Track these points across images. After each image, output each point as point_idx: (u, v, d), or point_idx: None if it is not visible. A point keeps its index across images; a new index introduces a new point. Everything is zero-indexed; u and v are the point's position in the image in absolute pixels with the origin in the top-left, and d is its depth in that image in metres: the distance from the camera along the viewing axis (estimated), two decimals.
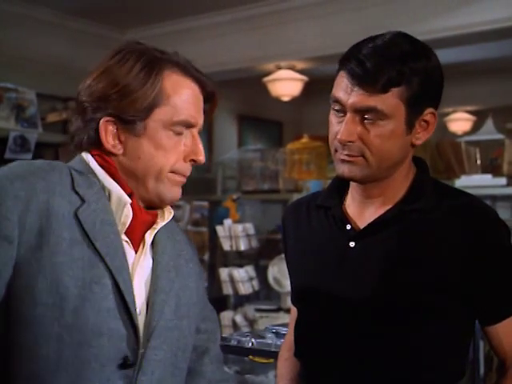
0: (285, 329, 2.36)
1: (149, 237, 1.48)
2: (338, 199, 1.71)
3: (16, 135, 4.32)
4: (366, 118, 1.54)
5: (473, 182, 4.45)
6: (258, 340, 2.60)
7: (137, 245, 1.46)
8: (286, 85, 6.60)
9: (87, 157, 1.46)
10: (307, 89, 6.75)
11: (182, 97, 1.44)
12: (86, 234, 1.36)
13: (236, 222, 5.25)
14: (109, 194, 1.43)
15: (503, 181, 4.50)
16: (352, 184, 1.69)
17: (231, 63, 6.48)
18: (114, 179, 1.44)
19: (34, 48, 6.16)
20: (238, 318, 5.04)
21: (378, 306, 1.58)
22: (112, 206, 1.42)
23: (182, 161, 1.46)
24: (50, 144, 4.61)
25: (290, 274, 1.83)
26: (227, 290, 5.09)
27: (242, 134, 9.13)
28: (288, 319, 2.05)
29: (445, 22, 5.27)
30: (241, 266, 5.20)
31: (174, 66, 1.45)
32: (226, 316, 5.10)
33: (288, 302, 4.44)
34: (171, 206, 1.54)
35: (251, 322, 4.98)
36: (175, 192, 1.47)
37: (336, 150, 1.60)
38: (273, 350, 2.49)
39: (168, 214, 1.52)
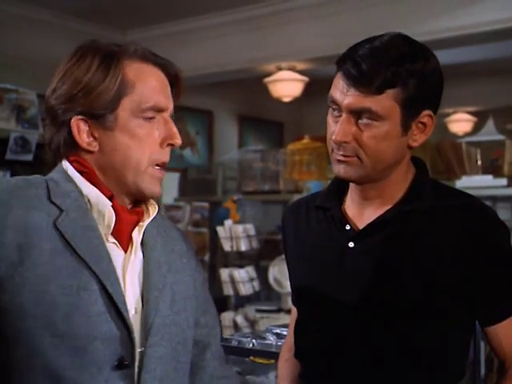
0: (285, 329, 2.36)
1: (137, 235, 1.49)
2: (337, 200, 1.71)
3: (17, 136, 4.32)
4: (361, 119, 1.54)
5: (473, 182, 4.45)
6: (259, 341, 2.60)
7: (126, 245, 1.47)
8: (287, 85, 6.60)
9: (65, 164, 1.47)
10: (308, 89, 6.75)
11: (147, 83, 1.45)
12: (68, 243, 1.36)
13: (236, 222, 5.25)
14: (89, 200, 1.44)
15: (504, 181, 4.51)
16: (351, 185, 1.69)
17: (232, 64, 6.49)
18: (92, 183, 1.45)
19: (35, 49, 6.16)
20: (239, 319, 5.04)
21: (377, 306, 1.58)
22: (93, 211, 1.43)
23: (159, 147, 1.46)
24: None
25: (289, 274, 1.83)
26: (228, 290, 5.10)
27: (243, 135, 9.13)
28: (288, 320, 2.05)
29: (446, 23, 5.28)
30: (241, 266, 5.20)
31: (132, 56, 1.46)
32: (227, 317, 5.10)
33: (289, 303, 4.44)
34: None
35: (252, 323, 4.98)
36: (155, 187, 1.47)
37: (332, 150, 1.61)
38: (273, 350, 2.49)
39: (153, 210, 1.52)
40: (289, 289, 1.88)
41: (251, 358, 2.64)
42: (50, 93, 1.47)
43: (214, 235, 5.31)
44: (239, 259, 5.36)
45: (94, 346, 1.33)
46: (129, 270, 1.45)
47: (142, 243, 1.50)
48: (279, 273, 4.93)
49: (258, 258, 5.42)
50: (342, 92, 1.55)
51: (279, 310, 4.92)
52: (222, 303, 5.06)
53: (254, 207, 5.79)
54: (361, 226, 1.65)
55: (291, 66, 6.49)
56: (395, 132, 1.56)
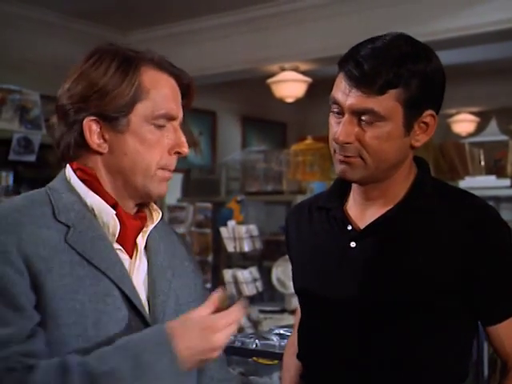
0: (289, 330, 2.36)
1: (141, 241, 1.50)
2: (339, 201, 1.72)
3: (20, 137, 4.33)
4: (363, 120, 1.54)
5: (477, 183, 4.44)
6: (262, 341, 2.60)
7: (130, 250, 1.48)
8: (290, 86, 6.60)
9: (68, 172, 1.48)
10: (311, 90, 6.75)
11: (161, 91, 1.47)
12: (82, 256, 1.38)
13: (240, 223, 5.24)
14: (92, 209, 1.45)
15: (507, 182, 4.50)
16: (353, 186, 1.69)
17: (235, 65, 6.49)
18: (95, 192, 1.46)
19: (38, 50, 6.17)
20: (242, 320, 5.03)
21: (378, 305, 1.58)
22: (98, 220, 1.44)
23: (167, 154, 1.48)
24: (53, 145, 4.61)
25: (292, 274, 1.83)
26: (231, 291, 5.09)
27: (246, 136, 9.13)
28: (292, 320, 2.05)
29: (448, 24, 5.27)
30: (245, 267, 5.19)
31: (148, 63, 1.48)
32: None
33: (292, 304, 4.44)
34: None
35: (255, 324, 4.97)
36: (162, 188, 1.50)
37: (335, 151, 1.61)
38: (277, 351, 2.49)
39: (156, 216, 1.54)
40: (292, 289, 1.89)
41: (254, 358, 2.64)
42: (62, 92, 1.48)
43: (217, 236, 5.30)
44: (242, 260, 5.35)
45: None
46: (134, 275, 1.47)
47: (145, 248, 1.52)
48: (282, 273, 4.93)
49: (261, 259, 5.42)
50: (344, 93, 1.55)
51: (282, 311, 4.92)
52: None
53: (257, 208, 5.79)
54: (362, 226, 1.65)
55: (294, 67, 6.49)
56: (398, 132, 1.56)
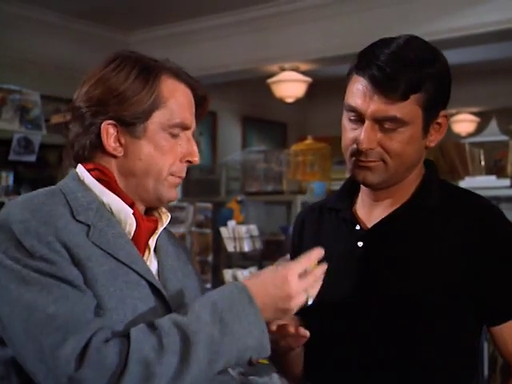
0: None
1: (152, 242, 1.53)
2: (348, 202, 1.73)
3: (20, 137, 4.33)
4: (385, 125, 1.55)
5: (477, 183, 4.44)
6: None
7: (142, 251, 1.50)
8: (290, 86, 6.60)
9: (81, 172, 1.50)
10: (311, 90, 6.75)
11: (178, 100, 1.50)
12: (106, 252, 1.40)
13: (240, 223, 5.25)
14: (110, 208, 1.47)
15: (507, 182, 4.50)
16: (362, 187, 1.69)
17: (235, 65, 6.49)
18: (113, 191, 1.48)
19: (38, 50, 6.17)
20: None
21: (386, 305, 1.58)
22: (116, 218, 1.47)
23: (179, 162, 1.52)
24: (53, 146, 4.61)
25: None
26: None
27: (246, 136, 9.14)
28: None
29: (449, 24, 5.27)
30: (245, 267, 5.19)
31: (168, 72, 1.51)
32: None
33: None
34: (173, 208, 1.58)
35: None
36: (173, 193, 1.54)
37: (352, 155, 1.61)
38: None
39: (165, 218, 1.57)
40: None
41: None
42: (79, 94, 1.52)
43: (217, 236, 5.30)
44: (242, 260, 5.35)
45: None
46: None
47: (154, 249, 1.55)
48: None
49: (261, 259, 5.41)
50: (364, 100, 1.54)
51: None
52: None
53: (257, 208, 5.78)
54: (370, 225, 1.67)
55: (294, 67, 6.49)
56: (417, 135, 1.58)
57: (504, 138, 5.42)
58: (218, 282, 5.31)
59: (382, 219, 1.64)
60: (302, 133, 8.37)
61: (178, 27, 6.66)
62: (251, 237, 5.16)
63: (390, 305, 1.58)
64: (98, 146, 1.48)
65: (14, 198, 1.51)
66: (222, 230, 5.12)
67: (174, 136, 1.50)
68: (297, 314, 1.45)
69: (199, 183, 6.54)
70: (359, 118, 1.57)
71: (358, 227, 1.67)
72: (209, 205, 5.78)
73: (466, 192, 1.71)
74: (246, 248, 5.10)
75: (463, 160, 4.88)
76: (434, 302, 1.57)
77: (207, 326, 1.29)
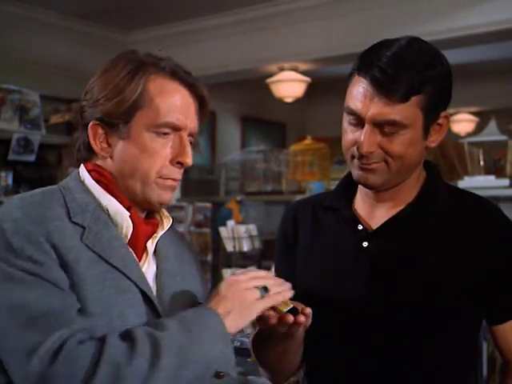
0: None
1: (151, 245, 1.51)
2: (347, 201, 1.72)
3: (19, 137, 4.33)
4: (385, 129, 1.54)
5: (476, 183, 4.44)
6: None
7: (140, 255, 1.48)
8: (289, 86, 6.60)
9: (82, 173, 1.49)
10: (310, 90, 6.75)
11: (168, 100, 1.45)
12: (99, 255, 1.38)
13: (239, 223, 5.25)
14: (107, 210, 1.45)
15: (506, 182, 4.49)
16: (361, 187, 1.69)
17: (234, 65, 6.49)
18: (110, 194, 1.46)
19: (38, 50, 6.17)
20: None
21: (392, 305, 1.58)
22: (113, 221, 1.45)
23: (169, 164, 1.47)
24: (53, 145, 4.61)
25: (291, 275, 1.80)
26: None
27: (245, 136, 9.14)
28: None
29: (448, 24, 5.28)
30: (244, 267, 5.18)
31: (160, 70, 1.47)
32: None
33: None
34: (173, 208, 1.56)
35: (254, 323, 4.97)
36: (164, 196, 1.49)
37: (353, 157, 1.61)
38: None
39: (167, 222, 1.54)
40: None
41: (253, 358, 2.64)
42: (82, 95, 1.49)
43: (217, 236, 5.30)
44: (241, 259, 5.35)
45: None
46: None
47: (154, 253, 1.52)
48: None
49: (261, 259, 5.42)
50: (364, 103, 1.54)
51: None
52: None
53: (256, 208, 5.79)
54: (373, 225, 1.66)
55: (293, 67, 6.49)
56: (418, 137, 1.57)
57: (503, 137, 5.42)
58: (218, 281, 5.31)
59: (388, 220, 1.64)
60: (301, 133, 8.37)
61: (178, 27, 6.66)
62: (250, 236, 5.17)
63: (396, 305, 1.58)
64: (90, 148, 1.48)
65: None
66: (221, 229, 5.12)
67: (163, 136, 1.45)
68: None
69: (198, 183, 6.54)
70: (359, 122, 1.56)
71: (360, 227, 1.66)
72: (208, 204, 5.79)
73: (470, 194, 1.71)
74: (245, 248, 5.10)
75: (462, 160, 4.88)
76: (441, 303, 1.57)
77: (176, 334, 1.30)
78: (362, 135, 1.55)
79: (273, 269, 1.97)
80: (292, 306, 1.46)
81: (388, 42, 1.58)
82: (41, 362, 1.23)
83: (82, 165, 1.50)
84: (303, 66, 6.51)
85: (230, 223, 5.14)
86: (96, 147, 1.46)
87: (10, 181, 4.20)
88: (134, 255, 1.46)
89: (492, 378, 2.83)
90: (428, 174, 1.69)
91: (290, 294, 1.46)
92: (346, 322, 1.63)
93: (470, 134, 8.47)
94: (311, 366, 1.74)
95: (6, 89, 4.44)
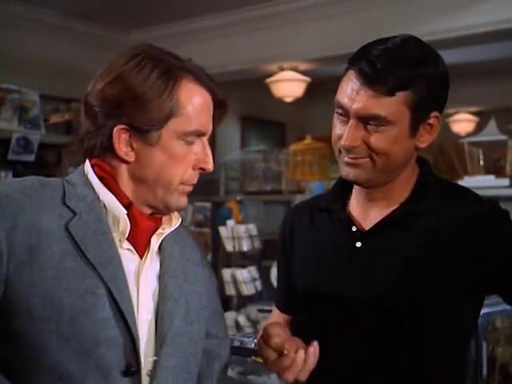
0: None
1: (155, 243, 1.48)
2: (341, 202, 1.72)
3: (19, 136, 4.33)
4: (369, 124, 1.54)
5: (476, 182, 4.44)
6: None
7: (142, 251, 1.46)
8: (289, 86, 6.60)
9: (87, 167, 1.46)
10: (310, 90, 6.75)
11: (195, 106, 1.42)
12: (78, 246, 1.35)
13: (239, 222, 5.25)
14: (104, 205, 1.43)
15: (506, 182, 4.49)
16: (355, 186, 1.69)
17: (234, 64, 6.49)
18: (110, 190, 1.43)
19: (38, 49, 6.17)
20: (241, 319, 5.04)
21: (386, 305, 1.58)
22: (108, 217, 1.42)
23: (191, 169, 1.46)
24: (52, 145, 4.62)
25: (289, 276, 1.81)
26: (230, 290, 5.10)
27: (245, 135, 9.14)
28: None
29: (448, 24, 5.27)
30: (243, 266, 5.20)
31: (189, 75, 1.43)
32: (229, 317, 5.10)
33: None
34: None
35: (254, 323, 4.98)
36: (182, 201, 1.48)
37: (340, 152, 1.61)
38: None
39: (175, 221, 1.52)
40: None
41: (253, 358, 2.64)
42: (93, 90, 1.42)
43: (216, 235, 5.31)
44: (241, 259, 5.35)
45: (99, 351, 1.32)
46: (143, 275, 1.44)
47: (159, 251, 1.50)
48: None
49: (260, 258, 5.42)
50: (350, 96, 1.54)
51: None
52: (224, 303, 5.04)
53: (256, 207, 5.79)
54: (367, 226, 1.66)
55: (293, 67, 6.49)
56: (403, 134, 1.56)
57: (503, 137, 5.42)
58: (217, 281, 5.31)
59: (381, 220, 1.64)
60: (300, 132, 8.37)
61: (177, 27, 6.66)
62: (250, 236, 5.18)
63: (391, 305, 1.58)
64: (109, 148, 1.41)
65: None
66: (221, 229, 5.13)
67: (189, 143, 1.43)
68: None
69: (198, 183, 6.47)
70: (346, 115, 1.56)
71: (354, 228, 1.66)
72: (208, 204, 5.79)
73: (463, 190, 1.70)
74: (245, 247, 5.11)
75: (462, 159, 4.88)
76: (433, 302, 1.57)
77: None
78: (345, 129, 1.56)
79: (274, 270, 1.97)
80: None
81: (384, 39, 1.58)
82: None
83: (87, 160, 1.46)
84: (303, 66, 6.50)
85: (230, 223, 5.14)
86: (120, 151, 1.41)
87: None
88: (130, 255, 1.44)
89: (492, 378, 2.83)
90: (420, 171, 1.69)
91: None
92: (343, 321, 1.63)
93: (469, 134, 8.47)
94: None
95: (6, 88, 4.44)
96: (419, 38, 1.61)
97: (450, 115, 8.88)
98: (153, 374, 1.40)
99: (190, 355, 1.49)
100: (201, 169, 1.47)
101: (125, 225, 1.42)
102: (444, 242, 1.59)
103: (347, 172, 1.60)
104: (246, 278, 5.08)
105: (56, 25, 6.32)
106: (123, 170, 1.44)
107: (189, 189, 1.48)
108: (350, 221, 1.68)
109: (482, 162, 4.95)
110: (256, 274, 5.18)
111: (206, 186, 6.35)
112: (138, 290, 1.42)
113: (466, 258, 1.57)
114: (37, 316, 1.30)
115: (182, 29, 6.64)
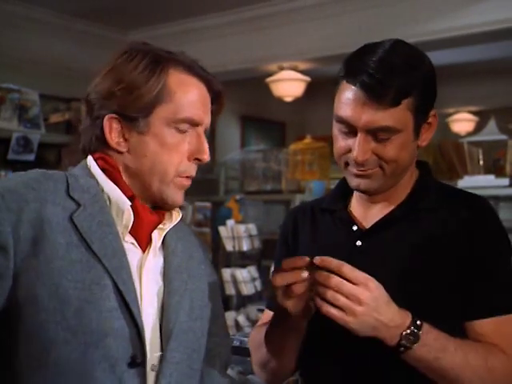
0: None
1: (158, 237, 1.49)
2: (343, 202, 1.74)
3: (19, 136, 4.33)
4: (378, 135, 1.54)
5: (476, 182, 4.44)
6: None
7: (145, 245, 1.47)
8: (289, 85, 6.60)
9: (89, 161, 1.47)
10: (310, 89, 6.75)
11: (187, 94, 1.44)
12: (83, 237, 1.36)
13: (239, 222, 5.25)
14: (108, 197, 1.43)
15: (506, 181, 4.50)
16: None
17: (234, 64, 6.49)
18: (115, 182, 1.44)
19: (37, 49, 6.17)
20: (241, 319, 5.03)
21: None
22: (112, 209, 1.43)
23: (187, 160, 1.46)
24: (52, 145, 4.62)
25: None
26: (230, 290, 5.09)
27: (245, 135, 9.13)
28: None
29: (448, 23, 5.27)
30: (243, 266, 5.19)
31: (179, 65, 1.46)
32: (229, 316, 5.10)
33: None
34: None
35: (254, 323, 4.97)
36: (178, 196, 1.48)
37: (347, 164, 1.61)
38: None
39: (176, 216, 1.53)
40: None
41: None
42: (91, 86, 1.46)
43: (216, 235, 5.30)
44: (241, 259, 5.35)
45: (106, 342, 1.33)
46: (145, 269, 1.45)
47: (163, 246, 1.51)
48: None
49: (260, 258, 5.42)
50: (355, 110, 1.54)
51: None
52: (223, 303, 5.03)
53: (256, 207, 5.79)
54: (367, 225, 1.68)
55: (293, 66, 6.48)
56: (410, 138, 1.58)
57: (503, 137, 5.43)
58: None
59: (381, 219, 1.65)
60: (300, 132, 8.36)
61: (177, 26, 6.66)
62: (250, 236, 5.17)
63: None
64: (104, 141, 1.44)
65: None
66: (221, 229, 5.12)
67: (182, 132, 1.45)
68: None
69: (198, 182, 6.46)
70: (351, 129, 1.56)
71: (355, 227, 1.68)
72: (208, 204, 5.78)
73: (462, 192, 1.72)
74: (245, 247, 5.11)
75: (462, 159, 4.89)
76: (430, 300, 1.57)
77: None
78: (355, 144, 1.56)
79: (272, 270, 1.97)
80: None
81: (371, 47, 1.58)
82: None
83: (89, 155, 1.48)
84: (303, 66, 6.50)
85: (230, 222, 5.14)
86: (111, 141, 1.44)
87: None
88: (133, 248, 1.44)
89: None
90: (420, 172, 1.71)
91: None
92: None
93: (469, 134, 8.48)
94: (307, 366, 1.74)
95: (6, 88, 4.44)
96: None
97: (450, 115, 8.88)
98: (158, 369, 1.40)
99: (194, 352, 1.49)
100: (196, 159, 1.47)
101: (128, 217, 1.42)
102: (442, 241, 1.60)
103: (358, 183, 1.62)
104: (245, 278, 5.08)
105: (56, 24, 6.31)
106: (119, 162, 1.45)
107: (186, 182, 1.48)
108: (351, 220, 1.70)
109: (481, 162, 4.95)
110: (256, 274, 5.18)
111: (205, 186, 6.35)
112: (140, 283, 1.43)
113: (462, 256, 1.57)
114: (43, 308, 1.30)
115: (181, 28, 6.64)
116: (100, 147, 1.46)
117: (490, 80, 8.19)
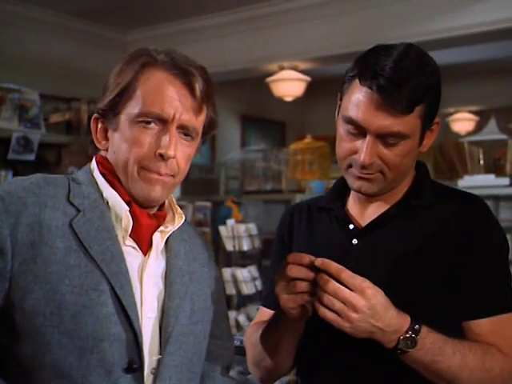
0: None
1: (160, 240, 1.49)
2: (340, 201, 1.75)
3: (19, 136, 4.33)
4: (387, 140, 1.54)
5: (476, 182, 4.44)
6: None
7: (146, 248, 1.47)
8: (289, 85, 6.59)
9: (93, 165, 1.50)
10: (310, 89, 6.75)
11: (152, 89, 1.42)
12: (81, 243, 1.36)
13: (239, 222, 5.25)
14: (107, 202, 1.44)
15: (506, 181, 4.50)
16: None
17: (234, 64, 6.48)
18: (112, 186, 1.46)
19: (37, 49, 6.17)
20: (241, 318, 5.04)
21: None
22: (111, 214, 1.44)
23: (151, 155, 1.42)
24: (52, 144, 4.62)
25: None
26: (230, 290, 5.09)
27: (245, 135, 9.13)
28: None
29: (448, 23, 5.27)
30: (244, 266, 5.19)
31: (152, 61, 1.45)
32: (229, 316, 5.09)
33: None
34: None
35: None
36: (149, 190, 1.44)
37: (350, 166, 1.61)
38: None
39: (179, 220, 1.52)
40: None
41: None
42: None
43: (216, 235, 5.30)
44: (241, 259, 5.35)
45: (102, 347, 1.33)
46: (146, 273, 1.44)
47: (166, 249, 1.51)
48: None
49: (261, 258, 5.42)
50: (367, 113, 1.53)
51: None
52: None
53: (256, 207, 5.79)
54: (363, 224, 1.68)
55: (293, 66, 6.48)
56: (416, 145, 1.59)
57: (503, 136, 5.43)
58: None
59: (376, 218, 1.66)
60: (300, 132, 8.36)
61: (177, 26, 6.66)
62: (250, 236, 5.17)
63: None
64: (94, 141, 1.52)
65: None
66: (221, 228, 5.12)
67: (147, 127, 1.42)
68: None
69: (198, 182, 6.54)
70: (360, 131, 1.56)
71: (351, 226, 1.68)
72: (208, 204, 5.78)
73: (457, 192, 1.72)
74: (245, 247, 5.11)
75: (462, 159, 4.89)
76: (425, 299, 1.57)
77: None
78: (364, 146, 1.56)
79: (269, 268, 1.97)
80: None
81: (384, 49, 1.57)
82: None
83: (94, 157, 1.51)
84: (303, 65, 6.50)
85: (230, 222, 5.14)
86: (96, 140, 1.49)
87: None
88: (134, 252, 1.44)
89: None
90: (416, 173, 1.71)
91: None
92: None
93: (469, 133, 8.48)
94: (303, 365, 1.75)
95: (6, 88, 4.44)
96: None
97: (450, 114, 8.87)
98: (156, 373, 1.40)
99: (194, 355, 1.49)
100: (160, 155, 1.42)
101: (127, 221, 1.43)
102: (437, 239, 1.60)
103: (359, 185, 1.62)
104: (246, 278, 5.08)
105: (56, 24, 6.31)
106: (112, 163, 1.49)
107: (156, 177, 1.44)
108: (348, 219, 1.70)
109: (482, 162, 4.96)
110: (256, 274, 5.18)
111: (205, 186, 6.36)
112: (141, 287, 1.42)
113: (457, 254, 1.57)
114: (40, 312, 1.31)
115: (181, 28, 6.64)
116: (95, 148, 1.52)
117: (490, 80, 8.18)
